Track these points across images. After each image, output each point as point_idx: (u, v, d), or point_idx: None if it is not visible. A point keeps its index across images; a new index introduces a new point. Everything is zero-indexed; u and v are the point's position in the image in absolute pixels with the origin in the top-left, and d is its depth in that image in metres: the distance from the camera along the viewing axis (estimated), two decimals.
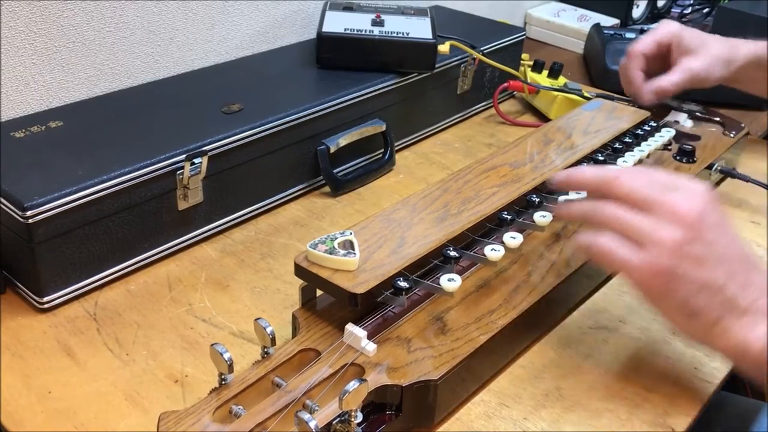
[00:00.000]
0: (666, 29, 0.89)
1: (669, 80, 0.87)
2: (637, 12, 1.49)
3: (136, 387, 0.58)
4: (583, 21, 1.39)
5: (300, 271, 0.57)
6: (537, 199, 0.68)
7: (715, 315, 0.51)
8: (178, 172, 0.69)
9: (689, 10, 1.61)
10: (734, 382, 1.03)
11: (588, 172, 0.56)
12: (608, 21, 1.41)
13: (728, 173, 0.87)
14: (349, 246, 0.58)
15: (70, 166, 0.65)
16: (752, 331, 0.50)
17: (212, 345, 0.48)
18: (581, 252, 0.57)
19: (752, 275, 0.51)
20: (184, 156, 0.69)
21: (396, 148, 0.93)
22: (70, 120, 0.74)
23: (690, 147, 0.84)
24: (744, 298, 0.50)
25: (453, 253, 0.60)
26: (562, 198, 0.68)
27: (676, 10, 1.60)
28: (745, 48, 0.87)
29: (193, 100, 0.81)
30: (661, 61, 0.89)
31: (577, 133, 0.81)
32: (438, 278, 0.58)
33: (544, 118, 1.05)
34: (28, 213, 0.60)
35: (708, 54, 0.86)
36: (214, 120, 0.75)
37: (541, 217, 0.65)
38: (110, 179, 0.65)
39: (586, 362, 0.61)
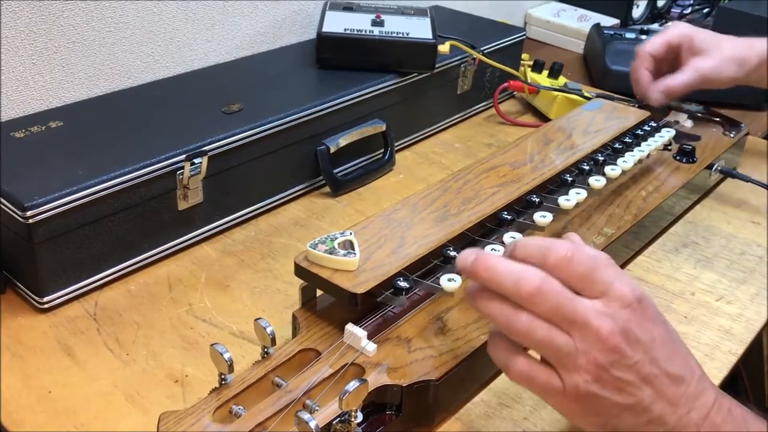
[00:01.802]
0: (676, 30, 0.88)
1: (677, 80, 0.86)
2: (637, 12, 1.49)
3: (136, 387, 0.58)
4: (583, 21, 1.39)
5: (300, 271, 0.57)
6: (537, 200, 0.68)
7: None
8: (178, 172, 0.69)
9: (689, 10, 1.61)
10: (734, 386, 1.03)
11: (503, 277, 0.47)
12: (608, 21, 1.41)
13: (728, 173, 0.87)
14: (349, 246, 0.58)
15: (70, 166, 0.65)
16: None
17: (212, 345, 0.48)
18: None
19: (682, 387, 0.47)
20: (184, 156, 0.69)
21: (396, 148, 0.93)
22: (70, 120, 0.74)
23: (690, 147, 0.84)
24: (672, 414, 0.47)
25: (453, 253, 0.60)
26: (561, 199, 0.68)
27: (676, 10, 1.60)
28: (760, 46, 0.86)
29: (193, 100, 0.81)
30: (671, 62, 0.89)
31: (577, 133, 0.81)
32: (438, 278, 0.58)
33: (544, 118, 1.05)
34: (28, 213, 0.60)
35: (719, 54, 0.85)
36: (214, 120, 0.75)
37: (541, 218, 0.65)
38: (110, 179, 0.65)
39: None
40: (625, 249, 0.74)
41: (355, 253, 0.56)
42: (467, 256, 0.49)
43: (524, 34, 1.10)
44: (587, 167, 0.74)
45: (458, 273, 0.51)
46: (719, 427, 0.47)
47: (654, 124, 0.86)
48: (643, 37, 1.21)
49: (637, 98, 0.91)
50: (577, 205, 0.68)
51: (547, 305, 0.46)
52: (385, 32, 0.89)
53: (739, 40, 0.87)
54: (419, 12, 0.98)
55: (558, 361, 0.46)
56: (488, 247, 0.62)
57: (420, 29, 0.91)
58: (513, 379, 0.48)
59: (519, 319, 0.46)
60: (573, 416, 0.48)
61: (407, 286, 0.56)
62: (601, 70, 1.18)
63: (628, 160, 0.76)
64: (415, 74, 0.91)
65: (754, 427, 0.48)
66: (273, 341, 0.51)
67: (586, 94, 1.01)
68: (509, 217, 0.65)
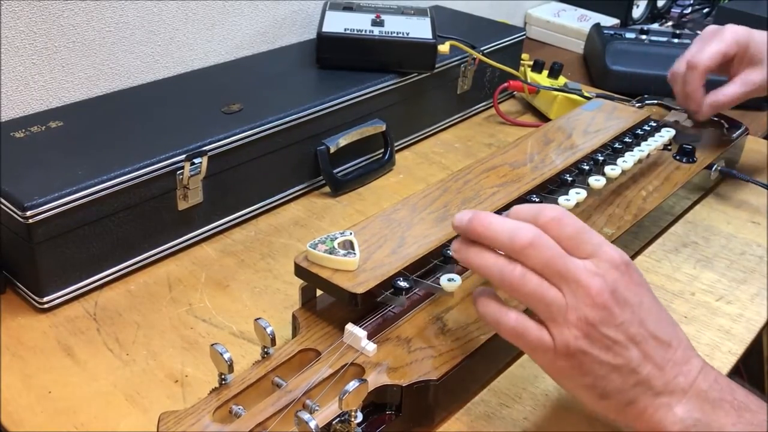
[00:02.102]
0: (733, 38, 0.82)
1: (728, 94, 0.83)
2: (637, 12, 1.49)
3: (136, 387, 0.58)
4: (583, 21, 1.39)
5: (300, 271, 0.57)
6: (537, 200, 0.68)
7: (628, 396, 0.47)
8: (178, 172, 0.69)
9: (689, 10, 1.61)
10: None
11: (499, 230, 0.49)
12: (608, 21, 1.41)
13: (728, 173, 0.87)
14: (349, 246, 0.58)
15: (70, 166, 0.65)
16: (668, 415, 0.47)
17: (212, 345, 0.48)
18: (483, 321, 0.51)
19: (669, 352, 0.48)
20: (184, 156, 0.69)
21: (396, 148, 0.93)
22: (70, 120, 0.74)
23: (690, 147, 0.84)
24: (660, 377, 0.47)
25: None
26: (561, 198, 0.68)
27: (676, 10, 1.60)
28: None
29: (193, 100, 0.81)
30: (728, 67, 0.85)
31: (577, 133, 0.81)
32: (438, 278, 0.58)
33: (544, 118, 1.05)
34: (28, 213, 0.60)
35: None
36: (214, 120, 0.75)
37: None
38: (110, 179, 0.65)
39: None
40: (625, 249, 0.73)
41: (355, 253, 0.56)
42: (463, 215, 0.50)
43: (524, 34, 1.10)
44: (587, 167, 0.74)
45: (456, 232, 0.52)
46: (705, 393, 0.47)
47: (654, 124, 0.86)
48: (643, 37, 1.21)
49: (686, 109, 0.89)
50: (577, 205, 0.68)
51: (540, 258, 0.47)
52: (385, 32, 0.89)
53: None
54: (419, 12, 0.98)
55: (549, 315, 0.47)
56: None
57: (420, 29, 0.91)
58: (504, 333, 0.49)
59: (513, 270, 0.48)
60: (561, 376, 0.49)
61: (407, 286, 0.56)
62: (601, 70, 1.18)
63: (628, 160, 0.76)
64: (415, 74, 0.91)
65: (740, 395, 0.48)
66: (273, 341, 0.51)
67: (586, 94, 1.01)
68: None
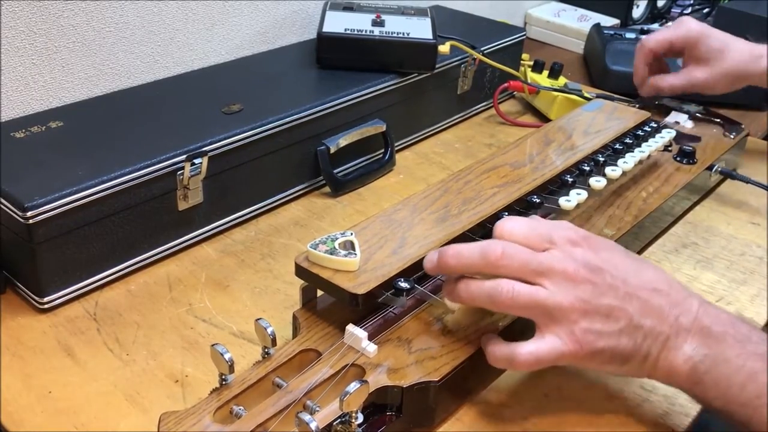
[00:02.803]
0: (683, 30, 0.87)
1: (666, 81, 0.89)
2: (637, 12, 1.49)
3: (136, 387, 0.58)
4: (583, 21, 1.39)
5: (300, 271, 0.57)
6: (537, 200, 0.68)
7: (642, 351, 0.50)
8: (179, 173, 0.69)
9: (689, 10, 1.61)
10: None
11: (469, 256, 0.52)
12: (608, 21, 1.41)
13: (728, 174, 0.87)
14: (349, 246, 0.58)
15: (70, 166, 0.65)
16: (677, 355, 0.49)
17: (213, 345, 0.48)
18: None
19: (662, 296, 0.50)
20: (184, 156, 0.69)
21: (396, 148, 0.93)
22: (70, 120, 0.74)
23: (690, 148, 0.84)
24: (663, 324, 0.49)
25: None
26: (562, 199, 0.68)
27: (676, 10, 1.60)
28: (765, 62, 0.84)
29: (193, 100, 0.81)
30: (677, 54, 0.90)
31: (577, 134, 0.81)
32: (438, 278, 0.58)
33: (544, 119, 1.05)
34: (28, 213, 0.60)
35: (718, 67, 0.85)
36: (214, 120, 0.75)
37: None
38: (110, 179, 0.65)
39: None
40: None
41: (355, 254, 0.56)
42: (430, 256, 0.54)
43: (524, 34, 1.10)
44: (587, 168, 0.74)
45: (431, 274, 0.56)
46: (708, 328, 0.50)
47: (654, 125, 0.86)
48: (643, 37, 1.21)
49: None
50: (578, 205, 0.68)
51: (515, 264, 0.50)
52: (386, 32, 0.89)
53: (748, 50, 0.85)
54: (419, 12, 0.98)
55: (548, 316, 0.50)
56: None
57: (420, 29, 0.91)
58: (522, 368, 0.52)
59: (501, 286, 0.50)
60: (582, 363, 0.51)
61: (408, 286, 0.56)
62: (601, 70, 1.18)
63: (628, 161, 0.76)
64: (416, 74, 0.91)
65: (743, 329, 0.50)
66: (273, 341, 0.51)
67: (586, 95, 1.01)
68: None
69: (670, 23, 1.56)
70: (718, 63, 0.85)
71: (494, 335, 0.54)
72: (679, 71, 0.89)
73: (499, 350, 0.52)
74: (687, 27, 0.88)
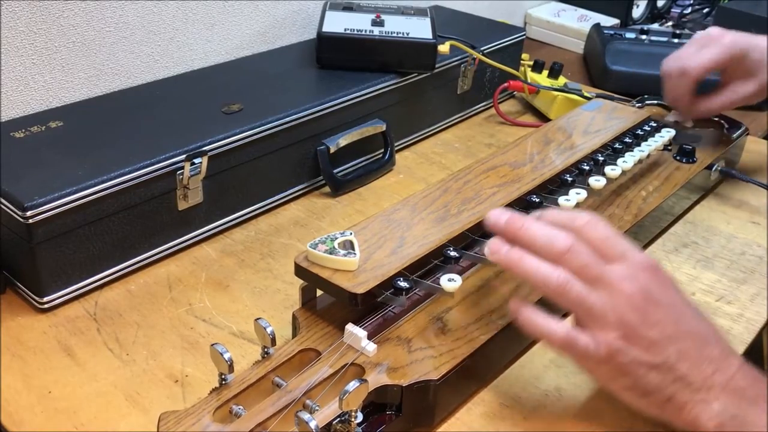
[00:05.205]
0: (731, 48, 0.80)
1: (717, 103, 0.83)
2: (637, 12, 1.49)
3: (136, 387, 0.58)
4: (583, 21, 1.39)
5: (300, 271, 0.57)
6: (537, 200, 0.68)
7: (667, 393, 0.49)
8: (178, 172, 0.69)
9: (689, 10, 1.61)
10: None
11: (538, 234, 0.52)
12: (608, 21, 1.41)
13: (728, 173, 0.87)
14: (349, 246, 0.58)
15: (70, 166, 0.65)
16: (705, 410, 0.48)
17: (212, 345, 0.48)
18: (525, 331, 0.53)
19: (706, 349, 0.49)
20: (184, 156, 0.69)
21: (396, 148, 0.93)
22: (70, 120, 0.74)
23: (690, 147, 0.84)
24: (697, 374, 0.48)
25: (453, 253, 0.60)
26: (561, 199, 0.68)
27: (676, 10, 1.60)
28: None
29: (193, 100, 0.81)
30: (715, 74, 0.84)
31: (577, 133, 0.81)
32: (438, 278, 0.58)
33: (544, 118, 1.05)
34: (28, 213, 0.60)
35: (764, 78, 0.81)
36: (214, 120, 0.75)
37: None
38: (110, 179, 0.65)
39: None
40: None
41: (355, 253, 0.56)
42: (499, 215, 0.54)
43: (524, 34, 1.10)
44: (587, 167, 0.74)
45: (489, 230, 0.55)
46: (743, 390, 0.48)
47: (654, 124, 0.86)
48: (643, 37, 1.21)
49: (671, 108, 0.89)
50: (578, 205, 0.68)
51: (577, 263, 0.50)
52: (385, 32, 0.89)
53: None
54: (419, 12, 0.98)
55: (589, 318, 0.49)
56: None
57: (420, 29, 0.91)
58: (553, 345, 0.51)
59: (558, 275, 0.50)
60: (604, 379, 0.51)
61: (407, 286, 0.56)
62: (601, 70, 1.18)
63: (628, 161, 0.76)
64: (415, 74, 0.91)
65: None
66: (273, 341, 0.51)
67: (586, 94, 1.01)
68: None
69: (669, 23, 1.56)
70: (762, 73, 0.81)
71: (530, 304, 0.53)
72: (722, 90, 0.83)
73: (538, 319, 0.51)
74: (733, 43, 0.81)
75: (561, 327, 0.51)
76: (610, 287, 0.49)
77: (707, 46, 0.81)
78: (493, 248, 0.53)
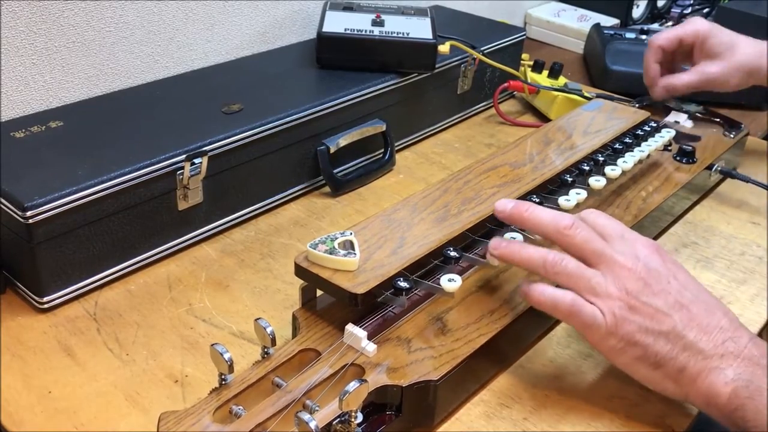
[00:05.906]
0: (692, 27, 0.87)
1: (681, 79, 0.88)
2: (637, 12, 1.49)
3: (136, 387, 0.58)
4: (583, 21, 1.39)
5: (300, 271, 0.57)
6: (537, 200, 0.68)
7: (679, 362, 0.49)
8: (178, 172, 0.69)
9: (689, 10, 1.61)
10: None
11: (543, 215, 0.55)
12: (608, 21, 1.41)
13: (728, 174, 0.87)
14: (349, 246, 0.58)
15: (70, 166, 0.65)
16: (720, 377, 0.48)
17: (212, 345, 0.48)
18: (534, 305, 0.55)
19: (714, 318, 0.50)
20: (184, 156, 0.69)
21: (396, 148, 0.93)
22: (70, 120, 0.74)
23: (690, 147, 0.84)
24: (707, 342, 0.49)
25: (453, 254, 0.60)
26: (561, 199, 0.68)
27: (676, 10, 1.60)
28: None
29: (193, 100, 0.81)
30: (684, 55, 0.90)
31: (577, 134, 0.81)
32: (438, 278, 0.58)
33: (544, 119, 1.05)
34: (28, 213, 0.60)
35: (730, 61, 0.85)
36: (214, 120, 0.75)
37: None
38: (110, 179, 0.65)
39: (586, 362, 0.61)
40: None
41: (355, 254, 0.56)
42: (506, 203, 0.57)
43: (524, 34, 1.10)
44: (587, 167, 0.74)
45: (498, 217, 0.59)
46: (757, 359, 0.49)
47: (654, 125, 0.86)
48: (643, 37, 1.21)
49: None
50: (578, 205, 0.68)
51: (579, 238, 0.53)
52: (385, 32, 0.89)
53: (756, 45, 0.85)
54: (419, 12, 0.98)
55: (591, 290, 0.51)
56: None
57: (420, 29, 0.91)
58: (561, 312, 0.53)
59: (554, 255, 0.53)
60: (614, 353, 0.52)
61: (407, 286, 0.56)
62: (601, 70, 1.18)
63: (628, 161, 0.76)
64: (415, 74, 0.91)
65: None
66: (273, 341, 0.51)
67: (586, 94, 1.01)
68: None
69: (670, 23, 1.56)
70: (730, 56, 0.85)
71: (538, 281, 0.55)
72: (690, 70, 0.88)
73: (546, 290, 0.53)
74: (696, 24, 0.88)
75: (568, 294, 0.52)
76: (612, 260, 0.52)
77: (678, 26, 0.89)
78: (494, 245, 0.57)
